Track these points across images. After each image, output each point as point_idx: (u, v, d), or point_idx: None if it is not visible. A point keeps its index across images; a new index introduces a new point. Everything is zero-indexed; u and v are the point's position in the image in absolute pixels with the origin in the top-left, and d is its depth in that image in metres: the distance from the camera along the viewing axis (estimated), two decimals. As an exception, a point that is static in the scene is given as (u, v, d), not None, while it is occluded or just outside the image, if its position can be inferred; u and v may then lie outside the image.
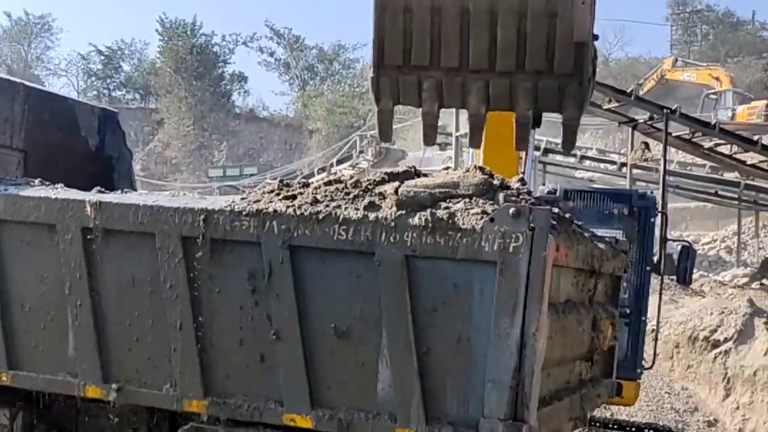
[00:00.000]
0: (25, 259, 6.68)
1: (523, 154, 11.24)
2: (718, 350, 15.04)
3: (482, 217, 5.27)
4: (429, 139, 7.42)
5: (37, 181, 7.02)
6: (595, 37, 6.79)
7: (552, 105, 6.84)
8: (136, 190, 8.63)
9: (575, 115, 6.87)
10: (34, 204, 6.55)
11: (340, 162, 39.41)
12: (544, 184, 11.24)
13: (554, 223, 5.47)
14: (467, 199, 5.51)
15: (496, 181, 5.70)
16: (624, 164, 28.62)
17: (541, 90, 6.70)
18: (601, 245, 6.85)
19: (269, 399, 5.89)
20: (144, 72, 67.16)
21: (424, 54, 6.75)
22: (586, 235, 6.61)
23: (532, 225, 5.15)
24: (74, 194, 6.57)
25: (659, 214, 10.12)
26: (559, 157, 38.93)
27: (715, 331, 15.26)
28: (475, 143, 7.86)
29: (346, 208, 5.60)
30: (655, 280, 18.48)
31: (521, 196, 5.62)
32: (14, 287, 6.70)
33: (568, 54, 6.58)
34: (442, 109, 7.12)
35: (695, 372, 15.29)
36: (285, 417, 5.84)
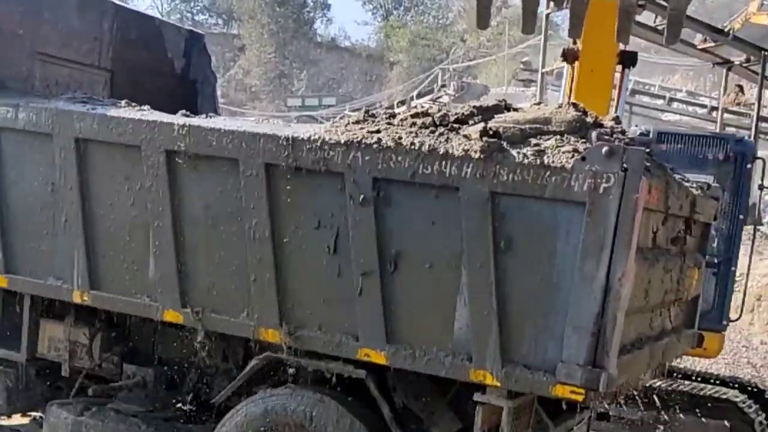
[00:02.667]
0: (110, 180, 6.70)
1: (615, 94, 10.93)
2: (801, 305, 14.63)
3: (573, 156, 5.07)
4: (483, 21, 7.08)
5: (123, 102, 7.02)
6: None
7: None
8: (220, 114, 8.61)
9: (682, 3, 6.53)
10: (121, 124, 6.55)
11: (420, 95, 39.12)
12: (636, 126, 10.80)
13: (647, 165, 5.26)
14: (558, 136, 5.32)
15: (589, 119, 5.50)
16: (714, 108, 27.79)
17: None
18: (694, 190, 6.60)
19: (345, 332, 5.86)
20: (227, -4, 67.30)
21: None
22: (678, 178, 6.37)
23: (624, 166, 4.95)
24: (160, 116, 6.54)
25: (756, 160, 9.71)
26: (646, 99, 38.07)
27: (799, 285, 14.82)
28: (574, 33, 7.52)
29: (432, 141, 5.46)
30: (748, 230, 18.05)
31: (615, 136, 5.40)
32: (98, 209, 6.75)
33: None
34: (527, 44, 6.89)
35: (775, 327, 14.91)
36: (360, 351, 5.80)
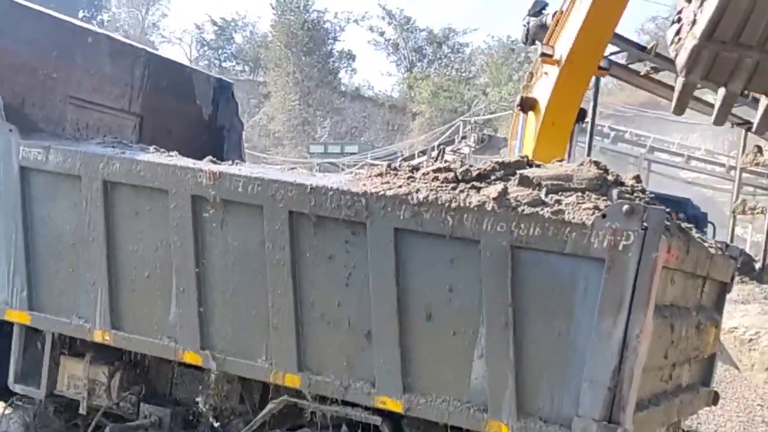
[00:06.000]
0: (135, 222, 6.82)
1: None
2: (818, 365, 14.49)
3: (594, 213, 5.16)
4: (681, 108, 7.26)
5: (152, 148, 7.16)
6: None
7: None
8: (245, 161, 8.75)
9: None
10: (150, 169, 6.69)
11: (441, 146, 39.29)
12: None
13: (667, 223, 5.32)
14: (580, 193, 5.41)
15: (610, 177, 5.58)
16: (733, 167, 27.81)
17: None
18: (711, 249, 6.64)
19: (362, 379, 5.92)
20: (255, 45, 68.35)
21: (755, 34, 6.57)
22: (697, 238, 6.42)
23: (645, 224, 5.03)
24: (188, 162, 6.69)
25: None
26: (665, 156, 38.13)
27: (817, 345, 14.70)
28: (679, 110, 7.74)
29: (453, 195, 5.56)
30: (757, 289, 17.99)
31: (635, 194, 5.48)
32: (123, 249, 6.86)
33: None
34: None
35: (792, 385, 14.75)
36: (376, 399, 5.86)
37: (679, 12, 7.27)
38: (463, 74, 60.35)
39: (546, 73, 13.35)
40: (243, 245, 6.34)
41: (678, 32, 6.63)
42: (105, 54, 8.34)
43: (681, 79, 6.86)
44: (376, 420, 6.04)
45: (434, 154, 34.01)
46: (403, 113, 60.83)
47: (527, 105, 13.39)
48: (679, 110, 7.14)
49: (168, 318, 6.69)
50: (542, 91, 13.32)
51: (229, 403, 7.00)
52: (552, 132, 12.98)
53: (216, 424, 7.12)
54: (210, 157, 6.82)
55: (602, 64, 15.24)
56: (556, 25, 13.63)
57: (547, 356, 5.33)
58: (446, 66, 63.84)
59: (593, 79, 18.53)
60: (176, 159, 6.83)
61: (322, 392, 6.14)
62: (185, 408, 7.30)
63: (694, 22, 6.44)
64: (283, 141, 58.60)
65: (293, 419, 6.61)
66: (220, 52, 71.69)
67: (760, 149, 24.62)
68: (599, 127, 33.82)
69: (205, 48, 72.23)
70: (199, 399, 7.08)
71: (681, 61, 6.59)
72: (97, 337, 7.03)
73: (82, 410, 7.50)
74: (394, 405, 5.80)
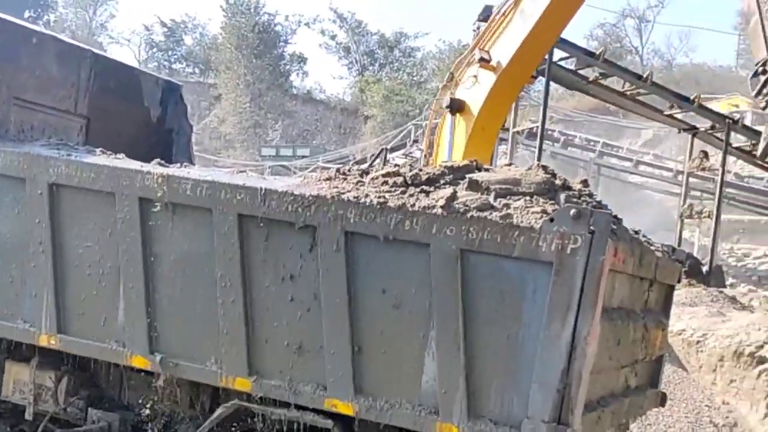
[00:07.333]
0: (81, 225, 6.74)
1: (448, 140, 13.50)
2: (763, 367, 14.73)
3: (542, 217, 5.21)
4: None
5: (98, 150, 7.08)
6: None
7: None
8: (194, 164, 8.67)
9: None
10: (96, 171, 6.61)
11: (393, 150, 39.33)
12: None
13: (614, 227, 5.39)
14: (528, 197, 5.45)
15: (558, 181, 5.64)
16: (680, 172, 28.26)
17: None
18: (658, 253, 6.74)
19: (313, 382, 5.91)
20: (205, 47, 67.76)
21: None
22: (643, 241, 6.51)
23: (592, 228, 5.09)
24: (135, 164, 6.62)
25: None
26: (614, 160, 38.61)
27: (761, 347, 14.94)
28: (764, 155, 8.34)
29: (403, 199, 5.57)
30: (704, 292, 18.29)
31: (583, 198, 5.54)
32: (70, 253, 6.78)
33: None
34: None
35: (738, 387, 15.00)
36: (327, 402, 5.85)
37: (763, 63, 7.52)
38: (415, 78, 60.49)
39: (475, 77, 13.60)
40: (192, 249, 6.29)
41: (765, 84, 6.82)
42: (51, 55, 8.20)
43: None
44: (328, 423, 6.03)
45: (377, 157, 34.10)
46: (355, 116, 60.77)
47: (455, 106, 13.79)
48: (765, 155, 7.51)
49: (116, 322, 6.61)
50: (474, 95, 13.63)
51: (179, 408, 6.94)
52: (481, 136, 13.53)
53: (166, 429, 7.07)
54: (158, 160, 6.75)
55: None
56: (492, 28, 13.81)
57: (497, 359, 5.36)
58: (398, 70, 63.93)
59: (543, 83, 18.79)
60: (123, 161, 6.76)
61: (273, 396, 6.10)
62: (134, 413, 7.23)
63: None
64: (235, 144, 58.19)
65: (244, 423, 6.56)
66: (169, 53, 70.95)
67: (706, 154, 25.07)
68: (549, 132, 34.16)
69: (155, 50, 71.42)
70: (148, 404, 7.02)
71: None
72: (43, 341, 6.93)
73: (29, 416, 7.40)
74: (346, 408, 5.80)
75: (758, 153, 10.84)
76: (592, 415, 5.65)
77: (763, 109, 6.55)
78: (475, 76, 13.71)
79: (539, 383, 5.16)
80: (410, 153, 37.07)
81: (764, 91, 6.91)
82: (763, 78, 6.79)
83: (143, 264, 6.42)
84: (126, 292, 6.51)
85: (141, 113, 9.24)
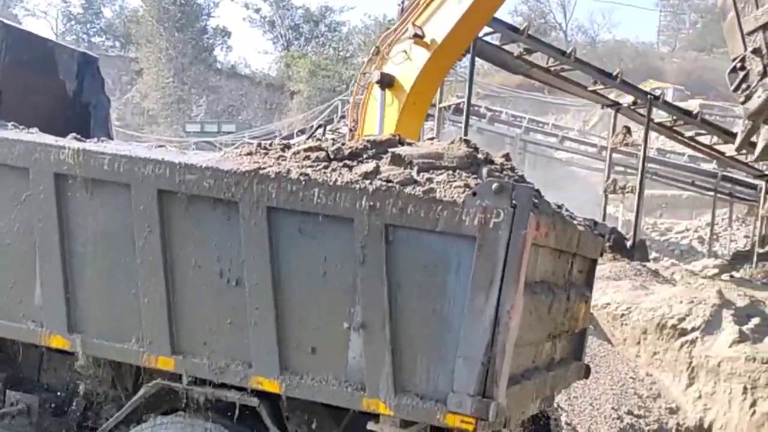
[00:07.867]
0: (-5, 202, 6.52)
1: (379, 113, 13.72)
2: (684, 339, 15.14)
3: (464, 191, 5.20)
4: (743, 145, 7.79)
5: (10, 124, 6.86)
6: None
7: None
8: (112, 139, 8.46)
9: (758, 122, 7.27)
10: (8, 146, 6.40)
11: (320, 126, 39.17)
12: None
13: (536, 201, 5.42)
14: (450, 171, 5.44)
15: (480, 155, 5.64)
16: (604, 147, 28.72)
17: None
18: (580, 227, 6.82)
19: (238, 360, 5.83)
20: (125, 19, 66.44)
21: None
22: (566, 215, 6.58)
23: (514, 202, 5.10)
24: (49, 139, 6.42)
25: None
26: (540, 136, 39.09)
27: (683, 319, 15.36)
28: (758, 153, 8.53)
29: (326, 174, 5.51)
30: (628, 266, 18.66)
31: (505, 172, 5.56)
32: (-18, 231, 6.55)
33: None
34: None
35: (661, 359, 15.39)
36: (253, 379, 5.78)
37: (741, 59, 7.60)
38: (341, 53, 60.35)
39: (405, 51, 13.65)
40: (111, 225, 6.14)
41: (744, 79, 6.90)
42: (-41, 26, 7.92)
43: (748, 122, 7.24)
44: (254, 401, 5.96)
45: (314, 132, 33.96)
46: (281, 92, 60.34)
47: (385, 81, 13.88)
48: (741, 147, 7.68)
49: (33, 301, 6.43)
50: (405, 71, 13.70)
51: (101, 388, 6.84)
52: (412, 111, 13.72)
53: (87, 411, 6.94)
54: (74, 135, 6.56)
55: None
56: (422, 3, 13.84)
57: (422, 334, 5.35)
58: (324, 45, 63.64)
59: (468, 59, 18.85)
60: (37, 136, 6.55)
61: (197, 374, 6.00)
62: (55, 394, 7.07)
63: (764, 73, 6.70)
64: (158, 119, 57.29)
65: (169, 403, 6.46)
66: (88, 26, 69.35)
67: (628, 130, 25.54)
68: (475, 108, 34.37)
69: (72, 22, 69.71)
70: (69, 385, 6.87)
71: (752, 107, 6.91)
72: (-45, 322, 6.70)
73: (-58, 400, 7.17)
74: (271, 386, 5.73)
75: (735, 145, 11.19)
76: (516, 387, 5.69)
77: (743, 104, 6.73)
78: (406, 51, 13.71)
79: (464, 357, 5.17)
80: (338, 128, 36.94)
81: (742, 86, 7.09)
82: (741, 74, 6.96)
83: (60, 242, 6.24)
84: (42, 271, 6.33)
85: (56, 86, 8.96)
